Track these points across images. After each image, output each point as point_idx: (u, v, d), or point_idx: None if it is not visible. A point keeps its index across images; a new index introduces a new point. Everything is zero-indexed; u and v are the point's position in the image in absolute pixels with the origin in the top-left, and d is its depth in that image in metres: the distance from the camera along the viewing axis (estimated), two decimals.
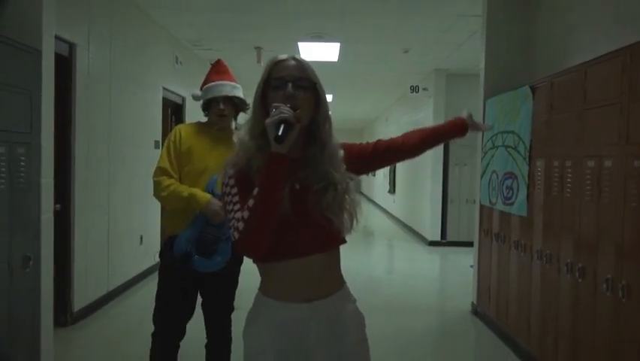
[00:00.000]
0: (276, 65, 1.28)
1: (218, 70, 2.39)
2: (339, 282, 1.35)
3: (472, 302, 4.47)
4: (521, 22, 4.20)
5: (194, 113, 8.33)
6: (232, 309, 2.40)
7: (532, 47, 4.14)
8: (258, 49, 6.58)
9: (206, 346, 2.39)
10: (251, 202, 1.18)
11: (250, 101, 1.97)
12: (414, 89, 8.11)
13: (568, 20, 3.59)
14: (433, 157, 7.90)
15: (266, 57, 6.78)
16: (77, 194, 3.82)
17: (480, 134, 4.31)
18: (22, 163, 2.50)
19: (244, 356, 1.33)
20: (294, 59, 1.30)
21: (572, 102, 2.78)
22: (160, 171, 2.20)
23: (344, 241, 1.33)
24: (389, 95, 10.64)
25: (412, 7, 4.98)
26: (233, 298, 2.41)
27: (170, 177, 2.19)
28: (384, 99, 11.18)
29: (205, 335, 2.39)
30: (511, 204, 3.56)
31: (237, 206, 1.22)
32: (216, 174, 2.14)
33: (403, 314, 4.46)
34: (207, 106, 2.33)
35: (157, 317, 2.29)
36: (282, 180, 1.19)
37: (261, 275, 1.33)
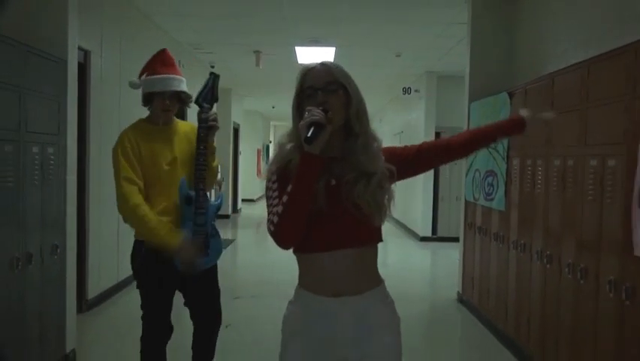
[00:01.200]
0: (305, 75, 1.34)
1: (164, 61, 2.26)
2: (373, 280, 1.36)
3: (458, 291, 4.80)
4: (504, 32, 4.52)
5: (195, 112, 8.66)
6: (218, 295, 2.35)
7: (513, 55, 4.46)
8: (257, 52, 6.88)
9: (194, 332, 2.34)
10: (285, 198, 1.26)
11: (192, 93, 2.21)
12: (406, 90, 8.44)
13: (544, 31, 3.92)
14: None
15: (264, 60, 7.11)
16: (92, 190, 4.12)
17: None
18: (52, 162, 2.80)
19: (281, 339, 1.40)
20: (322, 64, 1.36)
21: (542, 108, 3.10)
22: (126, 182, 2.08)
23: (379, 239, 1.36)
24: (383, 96, 10.96)
25: (403, 16, 5.30)
26: (216, 287, 2.36)
27: (135, 184, 2.10)
28: (378, 100, 11.51)
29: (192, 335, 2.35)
30: (492, 199, 3.89)
31: (276, 201, 1.30)
32: (184, 176, 2.17)
33: (396, 302, 4.78)
34: (149, 98, 2.21)
35: (145, 317, 2.26)
36: (314, 179, 1.26)
37: (298, 267, 1.39)
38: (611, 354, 2.33)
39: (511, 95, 3.62)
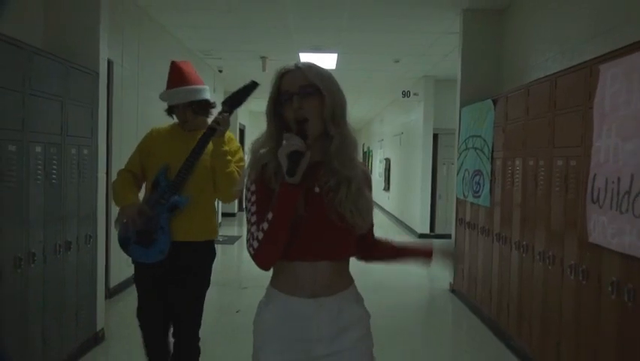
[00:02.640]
0: (281, 79, 1.31)
1: (174, 75, 2.31)
2: (346, 282, 1.38)
3: (450, 282, 5.18)
4: (492, 42, 4.88)
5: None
6: (199, 321, 2.34)
7: (501, 63, 4.83)
8: (263, 58, 7.27)
9: (174, 356, 2.33)
10: (264, 225, 1.25)
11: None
12: (405, 93, 8.80)
13: (528, 42, 4.29)
14: (422, 157, 8.61)
15: (271, 65, 7.48)
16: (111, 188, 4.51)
17: (456, 136, 5.02)
18: (86, 162, 3.19)
19: (253, 345, 1.39)
20: (297, 67, 1.31)
21: (519, 114, 3.48)
22: (125, 171, 2.31)
23: (354, 254, 1.39)
24: (383, 99, 11.33)
25: (400, 26, 5.67)
26: (201, 309, 2.33)
27: (131, 172, 2.27)
28: (379, 102, 11.88)
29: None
30: (479, 196, 4.26)
31: (254, 218, 1.28)
32: (167, 162, 2.20)
33: (394, 293, 5.16)
34: (171, 111, 2.33)
35: (139, 317, 2.34)
36: (293, 207, 1.24)
37: (273, 268, 1.36)
38: (572, 325, 2.70)
39: (494, 101, 3.99)
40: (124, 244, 2.24)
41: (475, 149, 4.39)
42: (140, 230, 2.17)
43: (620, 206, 2.22)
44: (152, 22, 5.48)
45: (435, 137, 8.65)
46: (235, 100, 2.18)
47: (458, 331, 4.44)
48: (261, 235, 1.25)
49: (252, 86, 2.19)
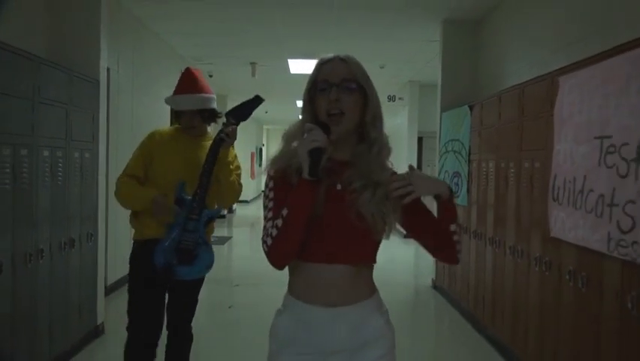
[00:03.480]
0: (321, 67, 1.25)
1: (187, 81, 2.32)
2: (368, 290, 1.29)
3: (432, 278, 5.44)
4: (470, 50, 5.17)
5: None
6: (195, 306, 2.43)
7: (478, 71, 5.12)
8: (253, 64, 7.50)
9: (167, 345, 2.38)
10: (279, 222, 1.19)
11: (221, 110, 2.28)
12: (391, 98, 9.08)
13: (503, 51, 4.57)
14: (408, 159, 8.89)
15: (260, 71, 7.72)
16: (110, 189, 4.70)
17: (437, 139, 5.29)
18: (88, 164, 3.40)
19: (269, 350, 1.32)
20: (341, 58, 1.26)
21: (492, 119, 3.76)
22: (127, 176, 2.25)
23: (374, 260, 1.30)
24: None
25: (385, 34, 5.94)
26: (196, 300, 2.42)
27: (134, 178, 2.24)
28: None
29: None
30: (457, 196, 4.52)
31: (270, 215, 1.24)
32: (182, 179, 2.20)
33: (380, 289, 5.42)
34: (177, 115, 2.34)
35: (131, 324, 2.30)
36: (310, 206, 1.18)
37: (289, 273, 1.30)
38: (537, 312, 2.96)
39: (471, 107, 4.27)
40: (167, 269, 2.17)
41: (454, 152, 4.67)
42: (179, 250, 2.16)
43: (575, 203, 2.49)
44: (147, 30, 5.68)
45: (420, 139, 8.94)
46: (240, 113, 2.21)
47: (440, 325, 4.70)
48: (274, 232, 1.20)
49: (257, 101, 2.21)
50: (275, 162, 1.28)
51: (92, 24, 3.55)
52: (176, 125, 2.40)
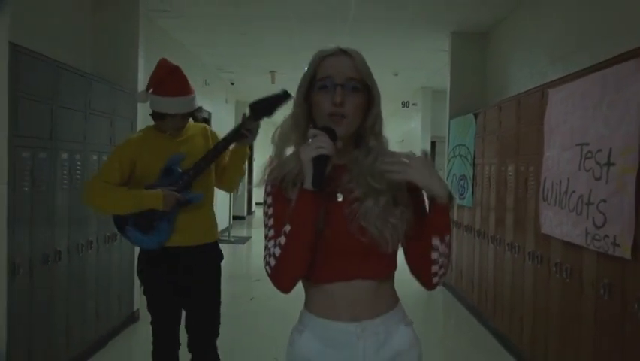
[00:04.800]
0: (322, 62, 1.14)
1: (176, 82, 2.15)
2: (392, 301, 1.21)
3: None
4: (478, 59, 5.47)
5: (221, 124, 9.79)
6: (217, 331, 2.28)
7: (485, 79, 5.42)
8: (272, 72, 7.90)
9: (190, 343, 2.25)
10: (282, 240, 1.10)
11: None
12: (405, 104, 9.41)
13: (508, 61, 4.87)
14: None
15: (279, 78, 8.11)
16: None
17: (446, 145, 5.60)
18: None
19: None
20: (346, 53, 1.15)
21: (494, 127, 4.06)
22: (102, 181, 2.09)
23: (395, 267, 1.19)
24: (384, 108, 11.36)
25: (397, 43, 6.27)
26: (217, 316, 2.27)
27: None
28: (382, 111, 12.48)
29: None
30: (464, 198, 4.84)
31: (272, 233, 1.14)
32: (183, 153, 2.10)
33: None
34: (159, 116, 2.15)
35: (153, 328, 2.25)
36: (315, 219, 1.09)
37: (305, 290, 1.21)
38: (531, 302, 3.26)
39: (476, 115, 4.57)
40: (120, 223, 2.13)
41: (461, 156, 4.97)
42: (139, 214, 2.05)
43: (560, 202, 2.80)
44: (173, 41, 6.12)
45: (432, 144, 9.22)
46: (264, 108, 2.06)
47: (447, 319, 5.00)
48: (278, 251, 1.10)
49: (284, 97, 2.01)
50: (274, 167, 1.18)
51: (130, 42, 3.97)
52: (147, 127, 2.25)
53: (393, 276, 1.22)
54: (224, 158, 2.25)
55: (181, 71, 2.22)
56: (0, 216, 2.32)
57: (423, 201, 1.19)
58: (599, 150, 2.42)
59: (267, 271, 1.13)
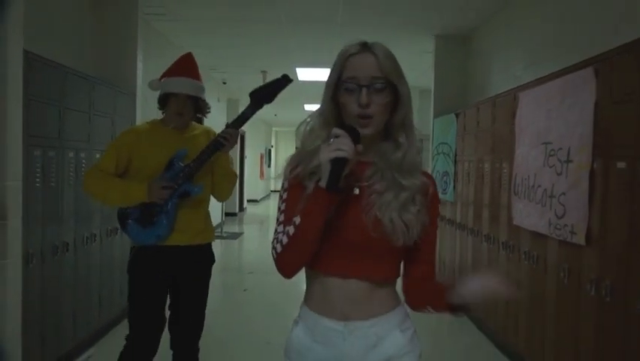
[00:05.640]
0: (348, 61, 1.14)
1: (185, 64, 2.18)
2: (388, 304, 1.18)
3: None
4: (460, 61, 5.74)
5: (213, 124, 9.91)
6: (200, 333, 2.26)
7: (467, 80, 5.69)
8: (264, 72, 8.11)
9: (173, 341, 2.23)
10: (291, 229, 1.11)
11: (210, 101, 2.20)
12: None
13: (488, 64, 5.14)
14: None
15: (270, 79, 8.28)
16: None
17: (430, 143, 5.87)
18: None
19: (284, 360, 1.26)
20: (371, 51, 1.14)
21: (472, 127, 4.33)
22: (98, 169, 2.11)
23: (397, 274, 1.19)
24: None
25: (387, 44, 6.44)
26: (203, 317, 2.25)
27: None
28: None
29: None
30: (446, 193, 5.11)
31: (282, 218, 1.16)
32: (186, 148, 2.09)
33: None
34: (165, 100, 2.15)
35: (131, 325, 2.19)
36: (325, 216, 1.09)
37: (306, 280, 1.24)
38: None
39: (457, 115, 4.84)
40: (122, 218, 2.14)
41: (444, 154, 5.24)
42: (144, 208, 2.06)
43: (529, 196, 3.07)
44: (170, 44, 6.32)
45: (420, 141, 9.48)
46: (265, 95, 2.06)
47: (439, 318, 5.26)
48: (285, 240, 1.12)
49: (284, 82, 2.04)
50: (296, 159, 1.19)
51: (130, 46, 4.18)
52: (154, 119, 2.28)
53: (394, 282, 1.20)
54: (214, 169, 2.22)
55: (191, 55, 2.24)
56: (16, 210, 2.52)
57: (437, 214, 1.23)
58: (560, 148, 2.69)
59: (272, 254, 1.15)
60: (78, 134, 3.23)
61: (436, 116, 5.73)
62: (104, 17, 4.18)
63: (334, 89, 1.15)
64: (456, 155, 4.85)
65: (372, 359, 1.15)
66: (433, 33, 5.81)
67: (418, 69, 7.70)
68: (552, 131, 2.80)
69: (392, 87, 1.14)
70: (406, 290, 1.24)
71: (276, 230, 1.17)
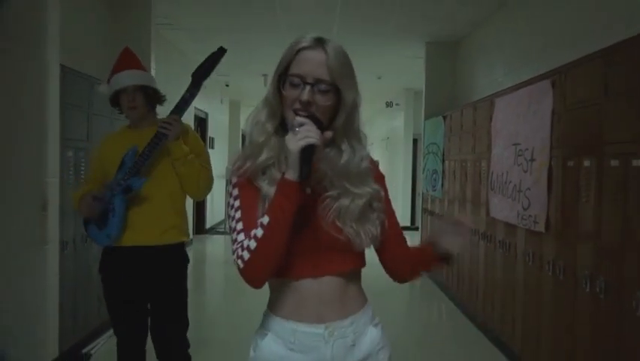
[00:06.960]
0: (298, 54, 1.09)
1: (124, 59, 2.15)
2: (360, 302, 1.18)
3: None
4: (450, 66, 6.13)
5: (217, 125, 10.38)
6: (185, 337, 2.17)
7: (455, 84, 6.08)
8: (265, 75, 8.49)
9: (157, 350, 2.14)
10: (258, 232, 1.03)
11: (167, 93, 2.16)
12: (388, 104, 10.07)
13: (476, 68, 5.53)
14: (404, 159, 9.87)
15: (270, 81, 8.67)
16: None
17: (421, 143, 6.26)
18: None
19: None
20: (323, 47, 1.09)
21: (457, 128, 4.73)
22: (84, 182, 2.22)
23: (363, 264, 1.18)
24: (370, 107, 12.62)
25: (379, 51, 6.92)
26: (185, 318, 2.17)
27: (88, 184, 2.14)
28: (366, 110, 12.97)
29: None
30: (435, 190, 5.50)
31: (240, 225, 1.08)
32: (136, 145, 2.02)
33: (376, 278, 6.41)
34: (117, 100, 2.10)
35: (115, 332, 2.17)
36: (295, 209, 1.03)
37: (270, 290, 1.18)
38: (484, 274, 3.93)
39: (444, 117, 5.24)
40: (85, 222, 2.12)
41: (433, 153, 5.64)
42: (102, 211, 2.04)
43: (502, 191, 3.46)
44: (175, 50, 6.72)
45: (415, 141, 9.90)
46: (203, 72, 2.04)
47: (425, 302, 5.65)
48: (253, 244, 1.03)
49: (220, 53, 2.04)
50: (244, 156, 1.14)
51: (145, 55, 4.55)
52: (123, 125, 2.26)
53: (360, 274, 1.21)
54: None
55: (129, 49, 2.22)
56: (54, 203, 2.92)
57: (386, 190, 1.22)
58: (526, 149, 3.09)
59: (237, 265, 1.05)
60: (102, 135, 3.60)
61: (426, 117, 6.12)
62: (121, 30, 4.56)
63: (278, 82, 1.12)
64: (444, 154, 5.24)
65: (352, 359, 1.15)
66: (423, 40, 6.20)
67: (411, 72, 8.08)
68: (520, 134, 3.20)
69: (337, 91, 1.10)
70: (388, 266, 1.25)
71: (235, 240, 1.07)
